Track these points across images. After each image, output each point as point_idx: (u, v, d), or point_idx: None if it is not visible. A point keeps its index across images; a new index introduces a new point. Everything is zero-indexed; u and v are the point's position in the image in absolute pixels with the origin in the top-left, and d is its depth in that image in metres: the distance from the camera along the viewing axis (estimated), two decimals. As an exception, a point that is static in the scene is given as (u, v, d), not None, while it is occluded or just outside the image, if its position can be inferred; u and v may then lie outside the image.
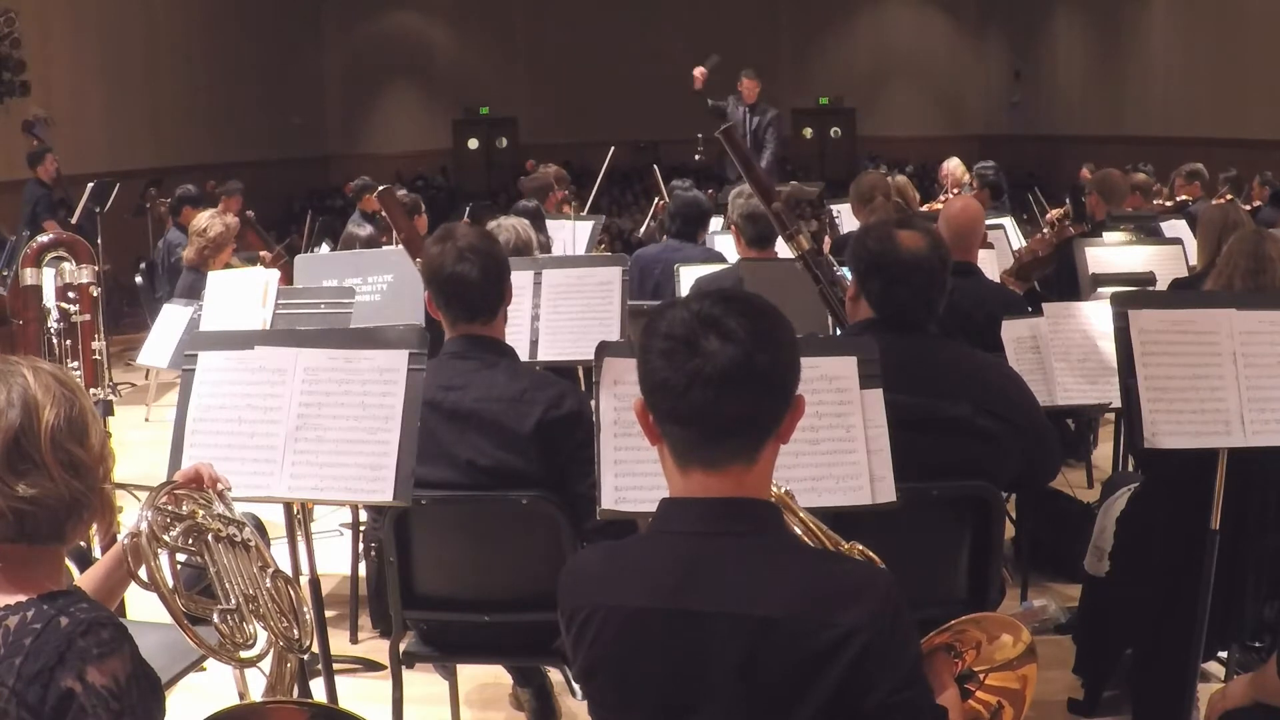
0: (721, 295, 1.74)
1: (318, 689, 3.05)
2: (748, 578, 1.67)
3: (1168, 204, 8.30)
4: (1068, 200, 7.91)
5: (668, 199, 8.14)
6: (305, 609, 2.39)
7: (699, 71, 9.96)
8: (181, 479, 2.32)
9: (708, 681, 1.67)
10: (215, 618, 2.16)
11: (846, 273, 3.16)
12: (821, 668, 1.61)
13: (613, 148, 9.24)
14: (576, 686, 3.53)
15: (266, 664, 2.26)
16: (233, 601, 2.20)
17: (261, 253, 7.59)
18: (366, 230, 7.47)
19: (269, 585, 2.31)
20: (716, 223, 6.69)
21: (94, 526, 1.93)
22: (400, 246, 6.19)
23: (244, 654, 2.19)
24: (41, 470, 1.79)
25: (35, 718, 1.70)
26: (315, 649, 2.93)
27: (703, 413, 1.67)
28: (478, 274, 3.00)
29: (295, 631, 2.29)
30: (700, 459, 1.71)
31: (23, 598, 1.77)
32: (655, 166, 10.04)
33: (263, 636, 2.25)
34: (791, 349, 1.73)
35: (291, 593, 2.37)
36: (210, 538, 2.25)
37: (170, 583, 2.11)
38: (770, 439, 1.73)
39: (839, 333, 3.45)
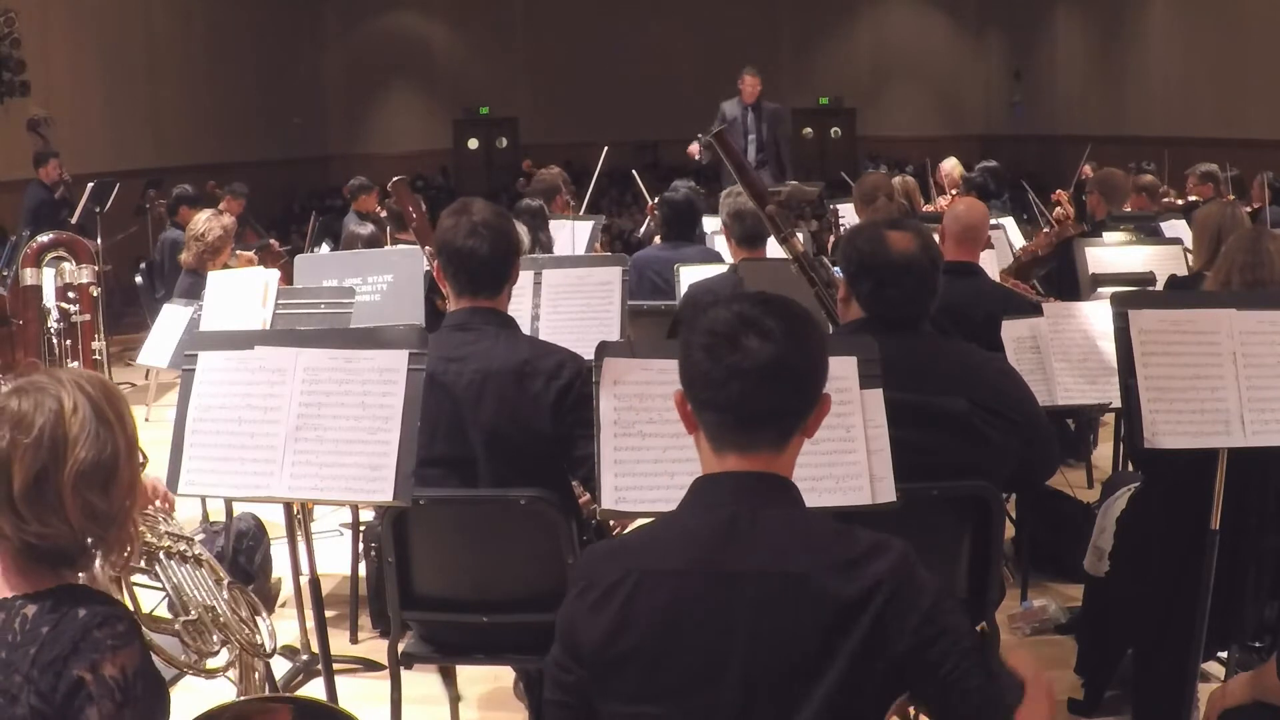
0: (761, 298, 1.89)
1: (318, 689, 3.05)
2: (779, 540, 1.80)
3: (1179, 202, 8.28)
4: (1069, 199, 7.89)
5: (651, 201, 8.15)
6: (263, 615, 2.40)
7: (693, 149, 9.86)
8: None
9: (742, 637, 1.76)
10: (179, 628, 2.15)
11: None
12: (852, 618, 1.74)
13: (605, 148, 9.21)
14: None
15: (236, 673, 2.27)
16: (193, 613, 2.20)
17: (240, 253, 7.44)
18: (368, 229, 7.45)
19: (225, 596, 2.32)
20: (714, 223, 6.68)
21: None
22: (401, 246, 6.22)
23: (210, 664, 2.19)
24: (59, 514, 1.75)
25: (47, 704, 1.70)
26: (315, 649, 2.94)
27: (738, 403, 1.82)
28: (487, 250, 3.04)
29: (258, 637, 2.30)
30: (734, 443, 1.85)
31: (41, 587, 1.77)
32: (635, 173, 10.03)
33: (226, 650, 2.26)
34: (822, 351, 1.89)
35: (246, 600, 2.37)
36: (162, 555, 2.26)
37: (130, 605, 2.10)
38: (797, 432, 1.88)
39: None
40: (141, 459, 1.92)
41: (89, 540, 1.81)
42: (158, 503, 2.40)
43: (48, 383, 1.78)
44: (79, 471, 1.75)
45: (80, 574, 1.87)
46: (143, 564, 2.21)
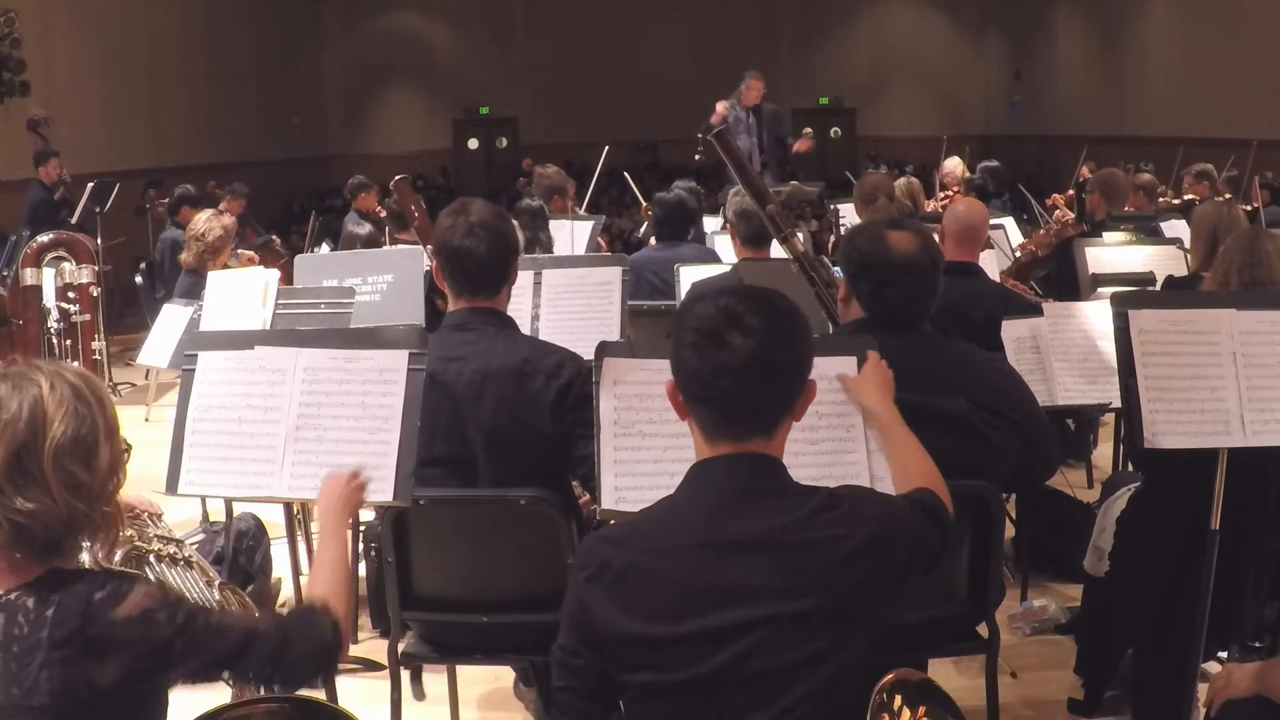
0: (745, 293, 1.97)
1: (318, 689, 3.05)
2: (780, 512, 1.91)
3: (1175, 201, 8.28)
4: (1071, 196, 7.88)
5: (644, 202, 8.17)
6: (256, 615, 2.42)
7: (721, 108, 9.92)
8: None
9: (754, 600, 1.86)
10: None
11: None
12: (854, 565, 1.90)
13: (606, 147, 9.22)
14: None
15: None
16: None
17: (241, 252, 7.40)
18: (366, 229, 7.45)
19: (217, 596, 2.34)
20: (715, 223, 6.68)
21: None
22: (401, 246, 6.22)
23: None
24: (41, 487, 1.79)
25: (71, 684, 1.75)
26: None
27: (726, 398, 1.93)
28: (484, 250, 3.04)
29: None
30: (726, 434, 1.96)
31: (32, 577, 1.81)
32: (626, 174, 10.04)
33: None
34: (805, 342, 1.98)
35: (239, 600, 2.40)
36: (152, 558, 2.28)
37: None
38: (785, 418, 1.99)
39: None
40: (125, 446, 1.96)
41: (75, 522, 1.83)
42: (145, 516, 2.45)
43: (27, 370, 1.85)
44: (59, 444, 1.80)
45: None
46: (133, 568, 2.23)
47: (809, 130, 10.75)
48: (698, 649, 1.87)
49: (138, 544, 2.30)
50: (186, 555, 2.38)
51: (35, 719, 1.75)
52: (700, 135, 9.30)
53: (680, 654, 1.88)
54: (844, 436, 2.55)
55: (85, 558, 1.95)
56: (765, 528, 1.89)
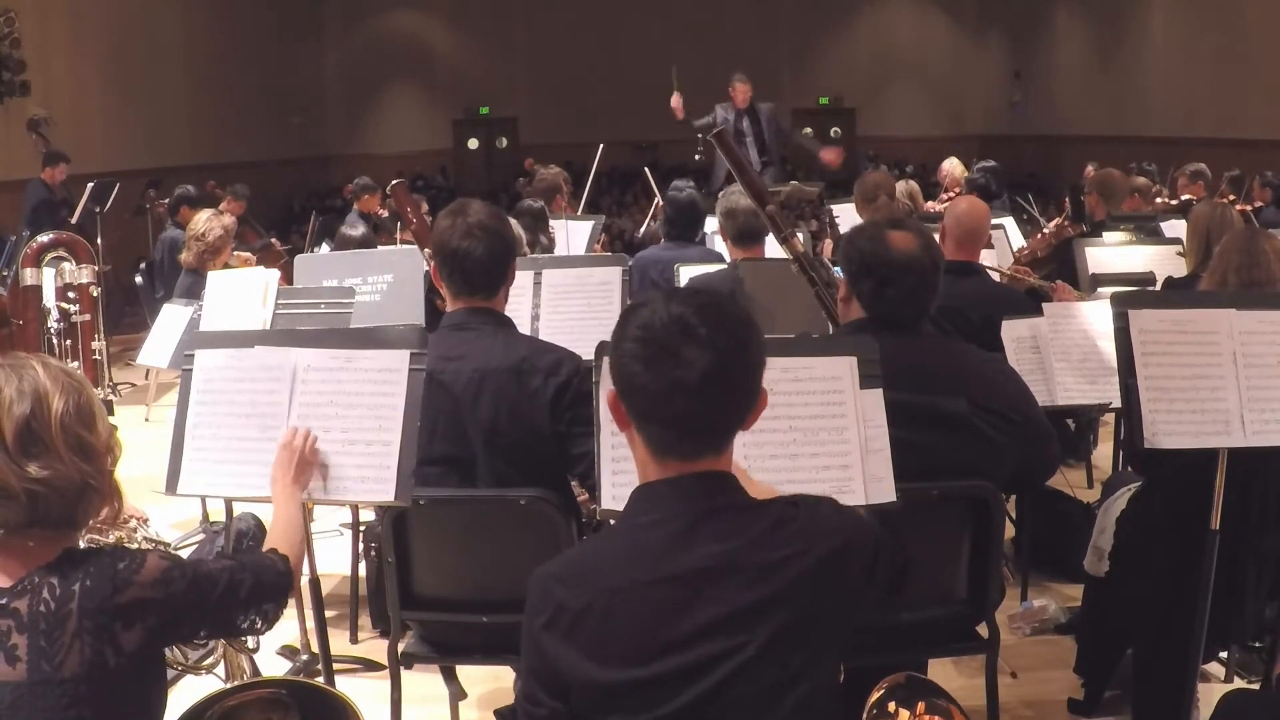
0: (693, 298, 1.86)
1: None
2: (739, 531, 1.80)
3: (1172, 202, 8.27)
4: (1066, 201, 7.88)
5: (662, 200, 8.13)
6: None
7: (676, 101, 9.94)
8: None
9: (722, 632, 1.76)
10: None
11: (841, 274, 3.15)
12: (818, 574, 1.79)
13: (601, 146, 9.20)
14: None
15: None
16: None
17: (239, 253, 7.35)
18: (359, 231, 7.45)
19: None
20: (714, 223, 6.67)
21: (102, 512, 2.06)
22: (400, 245, 6.22)
23: (203, 660, 2.31)
24: (52, 453, 1.89)
25: (102, 648, 1.85)
26: (315, 649, 2.94)
27: (682, 417, 1.81)
28: (483, 251, 3.05)
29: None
30: (677, 452, 1.84)
31: (45, 561, 1.89)
32: (647, 170, 10.03)
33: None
34: (759, 351, 1.86)
35: None
36: None
37: None
38: (737, 430, 1.88)
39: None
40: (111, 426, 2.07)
41: (87, 488, 1.93)
42: (132, 521, 2.54)
43: (14, 362, 1.97)
44: (63, 412, 1.92)
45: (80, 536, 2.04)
46: None
47: (839, 149, 10.61)
48: (672, 687, 1.76)
49: (126, 547, 2.35)
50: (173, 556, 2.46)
51: (66, 692, 1.83)
52: (700, 135, 9.31)
53: (654, 694, 1.77)
54: (838, 440, 2.53)
55: None
56: (727, 550, 1.78)
